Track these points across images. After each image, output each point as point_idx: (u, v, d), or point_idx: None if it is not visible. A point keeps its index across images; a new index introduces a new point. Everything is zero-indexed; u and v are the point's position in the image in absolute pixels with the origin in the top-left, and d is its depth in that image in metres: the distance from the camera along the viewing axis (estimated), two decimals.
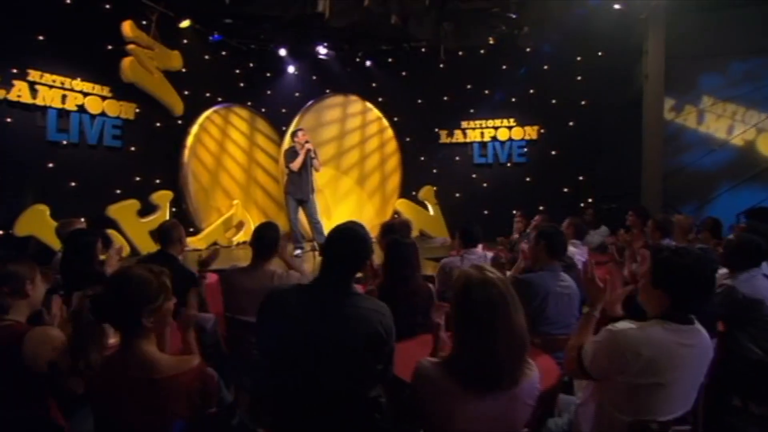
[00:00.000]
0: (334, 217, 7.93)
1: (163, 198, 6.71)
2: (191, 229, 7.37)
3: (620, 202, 7.38)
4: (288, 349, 1.71)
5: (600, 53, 8.06)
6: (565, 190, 8.39)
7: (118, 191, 6.34)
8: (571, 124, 8.34)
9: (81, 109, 5.87)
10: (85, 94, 5.92)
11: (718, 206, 7.30)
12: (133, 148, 6.59)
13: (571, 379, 2.55)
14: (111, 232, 5.98)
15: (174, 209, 7.01)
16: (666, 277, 1.63)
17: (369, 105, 8.85)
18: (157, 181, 6.95)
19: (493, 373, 1.47)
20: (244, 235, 7.82)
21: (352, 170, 8.52)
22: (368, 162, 8.75)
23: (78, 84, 5.84)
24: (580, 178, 8.30)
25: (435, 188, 8.66)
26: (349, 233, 1.83)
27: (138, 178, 6.68)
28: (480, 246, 3.86)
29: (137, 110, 6.57)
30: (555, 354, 2.38)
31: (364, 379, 1.73)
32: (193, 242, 7.11)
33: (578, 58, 8.26)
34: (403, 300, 2.40)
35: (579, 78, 8.26)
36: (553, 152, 8.49)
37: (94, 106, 5.99)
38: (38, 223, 5.16)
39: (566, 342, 2.57)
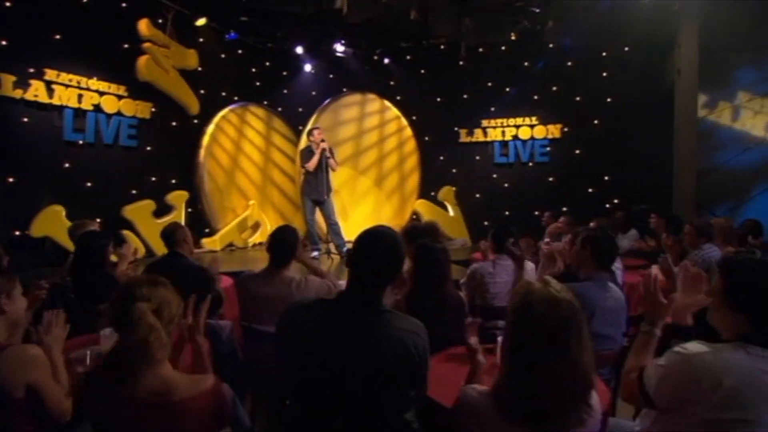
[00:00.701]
0: (351, 218, 7.77)
1: (178, 198, 6.61)
2: (206, 230, 7.29)
3: (650, 204, 7.09)
4: (311, 374, 1.52)
5: (627, 48, 7.74)
6: (590, 190, 8.08)
7: (134, 191, 6.26)
8: (596, 122, 8.04)
9: (97, 108, 5.80)
10: (101, 94, 5.84)
11: (753, 207, 6.93)
12: (148, 148, 6.51)
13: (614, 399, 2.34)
14: (126, 232, 5.89)
15: (189, 210, 6.92)
16: (746, 297, 1.40)
17: (387, 103, 8.66)
18: (173, 181, 6.86)
19: (543, 413, 1.27)
20: (260, 236, 7.70)
21: (370, 170, 8.35)
22: (386, 162, 8.57)
23: (94, 83, 5.77)
24: (606, 178, 7.99)
25: (454, 189, 8.40)
26: (384, 240, 1.57)
27: (153, 179, 6.59)
28: None
29: (153, 109, 6.49)
30: (599, 371, 2.16)
31: (395, 405, 1.53)
32: (209, 243, 7.01)
33: (604, 54, 7.95)
34: (434, 312, 2.19)
35: (605, 74, 7.95)
36: (577, 151, 8.19)
37: (110, 105, 5.92)
38: (54, 223, 5.09)
39: (611, 358, 2.37)
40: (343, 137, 8.20)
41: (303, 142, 7.88)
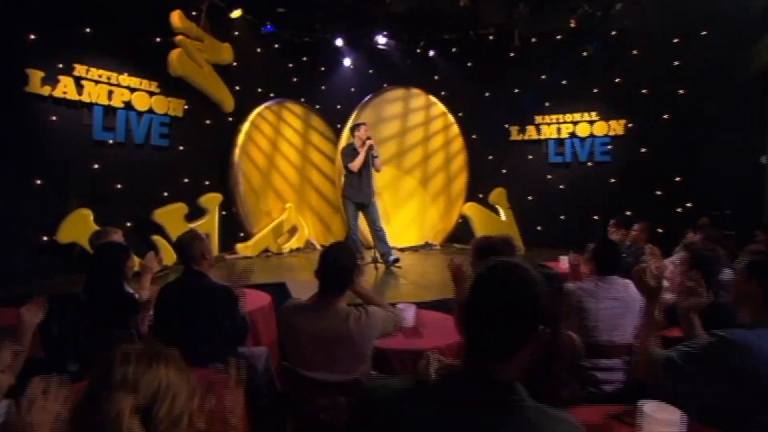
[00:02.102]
0: (394, 223, 7.22)
1: (212, 201, 6.23)
2: (241, 234, 6.90)
3: (733, 209, 6.23)
4: None
5: (704, 32, 6.86)
6: (658, 193, 7.25)
7: (166, 194, 5.91)
8: (665, 116, 7.19)
9: (128, 105, 5.48)
10: (132, 90, 5.52)
11: None
12: (181, 148, 6.16)
13: None
14: (156, 238, 5.54)
15: (223, 213, 6.53)
16: None
17: (433, 99, 8.06)
18: (206, 182, 6.50)
19: None
20: (296, 242, 7.26)
21: (415, 170, 7.79)
22: (432, 161, 7.98)
23: (125, 79, 5.44)
24: (677, 179, 7.12)
25: (506, 191, 7.72)
26: (516, 283, 0.98)
27: (186, 180, 6.24)
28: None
29: (186, 107, 6.14)
30: None
31: None
32: (243, 249, 6.61)
33: (676, 40, 7.09)
34: (541, 367, 1.59)
35: (677, 63, 7.09)
36: (643, 149, 7.37)
37: (141, 102, 5.58)
38: (81, 229, 4.76)
39: None
40: (386, 135, 7.65)
41: (344, 139, 7.39)
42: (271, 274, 5.62)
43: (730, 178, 6.47)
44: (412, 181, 7.43)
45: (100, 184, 5.28)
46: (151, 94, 5.71)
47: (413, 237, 7.71)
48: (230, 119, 6.87)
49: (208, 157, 6.57)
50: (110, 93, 5.29)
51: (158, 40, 5.81)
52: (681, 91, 7.07)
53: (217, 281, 2.70)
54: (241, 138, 6.88)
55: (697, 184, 6.92)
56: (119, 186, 5.46)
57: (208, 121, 6.55)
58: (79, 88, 5.03)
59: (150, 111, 5.70)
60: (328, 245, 2.31)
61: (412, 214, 7.40)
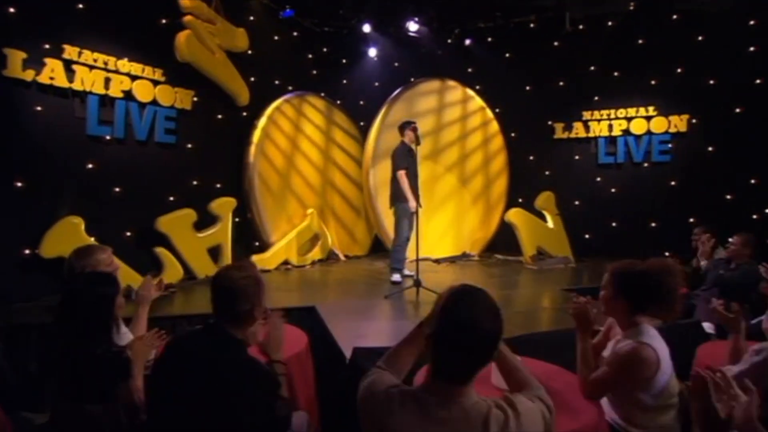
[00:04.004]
0: (428, 229, 6.35)
1: (224, 207, 5.43)
2: (257, 243, 6.09)
3: None
4: None
5: None
6: (728, 197, 6.37)
7: (171, 198, 5.13)
8: (737, 110, 6.31)
9: (128, 96, 4.70)
10: (133, 78, 4.74)
11: None
12: (189, 145, 5.38)
13: None
14: (160, 250, 4.74)
15: (237, 219, 5.73)
16: None
17: (470, 92, 7.24)
18: (218, 185, 5.71)
19: None
20: (319, 252, 6.44)
21: (451, 172, 6.92)
22: (469, 162, 7.14)
23: (124, 65, 4.66)
24: (752, 181, 6.23)
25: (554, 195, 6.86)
26: None
27: (195, 182, 5.46)
28: None
29: (195, 99, 5.36)
30: None
31: None
32: (260, 261, 5.79)
33: (751, 22, 6.21)
34: None
35: (752, 48, 6.21)
36: (710, 148, 6.51)
37: (143, 92, 4.80)
38: (70, 240, 3.94)
39: None
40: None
41: (372, 139, 6.56)
42: (295, 295, 4.81)
43: None
44: (448, 184, 6.58)
45: (94, 187, 4.49)
46: (156, 83, 4.93)
47: (449, 246, 6.87)
48: (245, 114, 6.09)
49: (219, 157, 5.78)
50: (107, 81, 4.51)
51: (164, 21, 5.05)
52: (758, 81, 6.19)
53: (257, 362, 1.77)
54: (257, 135, 6.07)
55: None
56: (117, 189, 4.67)
57: (220, 116, 5.77)
58: (70, 73, 4.25)
59: (154, 103, 4.92)
60: (449, 294, 1.29)
61: (448, 220, 6.57)
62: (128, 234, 4.72)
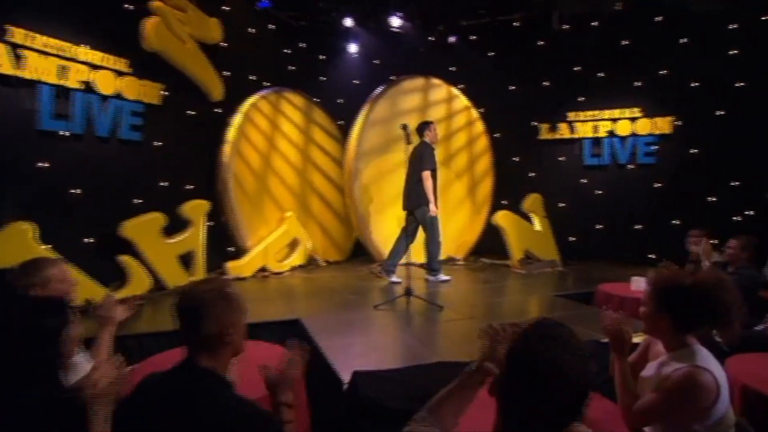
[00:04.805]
0: None
1: (196, 210, 5.01)
2: (231, 249, 5.67)
3: None
4: None
5: (765, 17, 6.01)
6: (711, 199, 6.36)
7: (137, 201, 4.66)
8: (719, 113, 6.31)
9: (87, 87, 4.22)
10: (94, 67, 4.26)
11: None
12: (157, 143, 4.93)
13: None
14: (125, 258, 4.27)
15: (210, 223, 5.30)
16: None
17: (455, 91, 7.02)
18: (189, 186, 5.28)
19: None
20: (299, 258, 6.06)
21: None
22: (454, 162, 6.90)
23: (84, 52, 4.18)
24: (734, 183, 6.23)
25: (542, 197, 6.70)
26: None
27: (164, 183, 5.01)
28: None
29: (164, 92, 4.90)
30: None
31: None
32: (235, 269, 5.38)
33: (732, 26, 6.23)
34: None
35: (733, 52, 6.22)
36: (694, 150, 6.50)
37: (105, 83, 4.33)
38: (18, 249, 3.45)
39: None
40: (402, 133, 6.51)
41: (355, 138, 6.22)
42: (275, 306, 4.42)
43: None
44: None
45: (48, 188, 4.00)
46: (120, 73, 4.46)
47: None
48: (218, 110, 5.67)
49: (191, 156, 5.34)
50: (63, 69, 4.02)
51: (130, 6, 4.59)
52: (739, 84, 6.20)
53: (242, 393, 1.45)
54: (231, 133, 5.66)
55: (758, 189, 6.04)
56: (75, 191, 4.18)
57: (191, 112, 5.34)
58: (17, 59, 3.74)
59: (117, 96, 4.45)
60: (524, 332, 1.01)
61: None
62: (88, 241, 4.23)
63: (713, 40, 6.28)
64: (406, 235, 5.17)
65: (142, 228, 4.44)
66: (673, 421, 1.72)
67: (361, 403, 2.22)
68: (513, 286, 5.48)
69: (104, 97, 4.34)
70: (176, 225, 4.86)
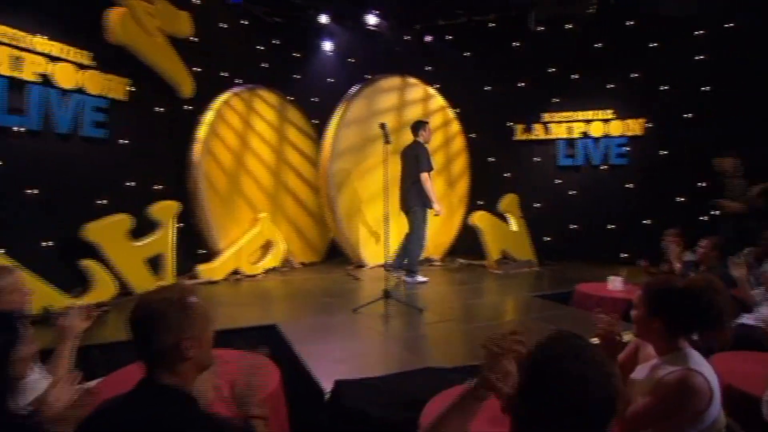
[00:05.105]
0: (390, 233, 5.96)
1: (165, 211, 4.79)
2: (203, 252, 5.46)
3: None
4: None
5: (730, 24, 6.19)
6: (680, 199, 6.52)
7: (102, 202, 4.42)
8: (687, 115, 6.48)
9: (45, 80, 3.96)
10: (53, 59, 4.01)
11: None
12: (123, 141, 4.69)
13: None
14: (88, 263, 4.03)
15: (180, 225, 5.08)
16: None
17: (431, 91, 6.97)
18: (158, 187, 5.05)
19: None
20: (272, 260, 5.89)
21: None
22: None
23: (41, 43, 3.92)
24: (701, 184, 6.40)
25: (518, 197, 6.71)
26: None
27: (131, 183, 4.76)
28: None
29: (131, 88, 4.67)
30: None
31: None
32: (207, 272, 5.18)
33: (699, 32, 6.40)
34: None
35: (700, 57, 6.39)
36: (664, 152, 6.65)
37: (65, 77, 4.08)
38: None
39: None
40: (379, 132, 6.42)
41: (330, 137, 6.09)
42: (250, 310, 4.25)
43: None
44: None
45: (3, 188, 3.73)
46: (82, 67, 4.22)
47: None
48: (188, 107, 5.45)
49: (159, 155, 5.11)
50: (17, 60, 3.75)
51: None
52: (705, 88, 6.37)
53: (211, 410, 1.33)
54: (202, 131, 5.45)
55: (723, 190, 6.22)
56: (32, 192, 3.92)
57: (159, 109, 5.11)
58: None
59: (79, 90, 4.20)
60: (541, 346, 0.96)
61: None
62: (47, 245, 3.98)
63: (682, 45, 6.43)
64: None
65: (107, 230, 4.20)
66: (667, 426, 1.70)
67: (344, 412, 2.12)
68: (491, 287, 5.46)
69: (64, 92, 4.09)
70: (144, 227, 4.62)
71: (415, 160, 5.20)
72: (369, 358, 2.95)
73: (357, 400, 2.13)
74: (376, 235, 6.30)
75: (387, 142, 4.47)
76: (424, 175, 5.16)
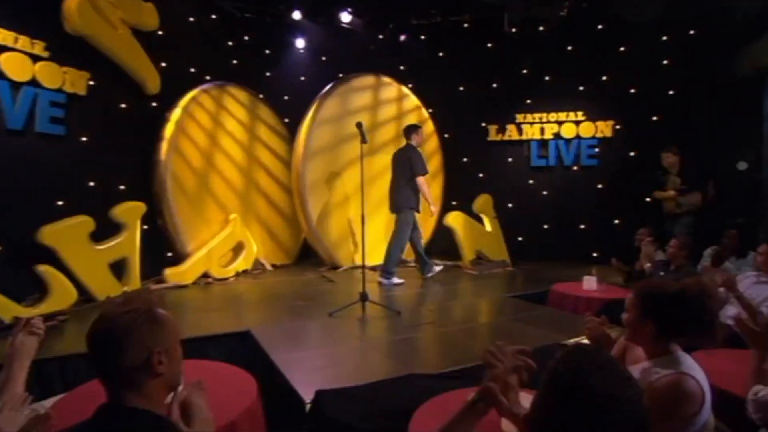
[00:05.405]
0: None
1: (130, 213, 4.54)
2: (170, 254, 5.23)
3: (728, 217, 5.74)
4: None
5: (692, 31, 6.39)
6: (648, 200, 6.67)
7: (60, 203, 4.15)
8: (655, 118, 6.67)
9: None
10: (4, 49, 3.72)
11: None
12: (84, 139, 4.42)
13: None
14: (45, 269, 3.77)
15: (146, 227, 4.83)
16: None
17: (406, 90, 6.92)
18: (122, 187, 4.80)
19: None
20: (244, 263, 5.69)
21: (384, 174, 6.53)
22: None
23: None
24: None
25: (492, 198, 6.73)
26: None
27: (92, 183, 4.50)
28: None
29: (91, 82, 4.41)
30: None
31: None
32: (174, 276, 4.95)
33: (664, 38, 6.58)
34: None
35: (665, 62, 6.57)
36: (632, 153, 6.83)
37: (17, 69, 3.81)
38: None
39: None
40: (352, 131, 6.27)
41: (303, 137, 5.94)
42: (221, 316, 4.07)
43: (723, 184, 5.98)
44: (383, 187, 6.15)
45: None
46: (36, 58, 3.94)
47: (383, 253, 6.44)
48: (154, 104, 5.21)
49: (123, 153, 4.84)
50: None
51: None
52: (671, 92, 6.56)
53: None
54: (169, 129, 5.21)
55: (689, 190, 6.40)
56: None
57: (123, 105, 4.86)
58: None
59: (33, 83, 3.93)
60: (561, 359, 0.88)
61: (383, 226, 6.11)
62: None
63: (648, 50, 6.60)
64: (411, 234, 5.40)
65: (66, 233, 3.94)
66: (659, 429, 1.67)
67: (327, 424, 2.01)
68: (466, 288, 5.44)
69: (17, 85, 3.81)
70: (107, 229, 4.36)
71: (408, 163, 5.25)
72: (349, 365, 2.84)
73: (340, 410, 2.03)
74: (352, 235, 6.19)
75: (364, 141, 4.37)
76: (420, 179, 5.23)
